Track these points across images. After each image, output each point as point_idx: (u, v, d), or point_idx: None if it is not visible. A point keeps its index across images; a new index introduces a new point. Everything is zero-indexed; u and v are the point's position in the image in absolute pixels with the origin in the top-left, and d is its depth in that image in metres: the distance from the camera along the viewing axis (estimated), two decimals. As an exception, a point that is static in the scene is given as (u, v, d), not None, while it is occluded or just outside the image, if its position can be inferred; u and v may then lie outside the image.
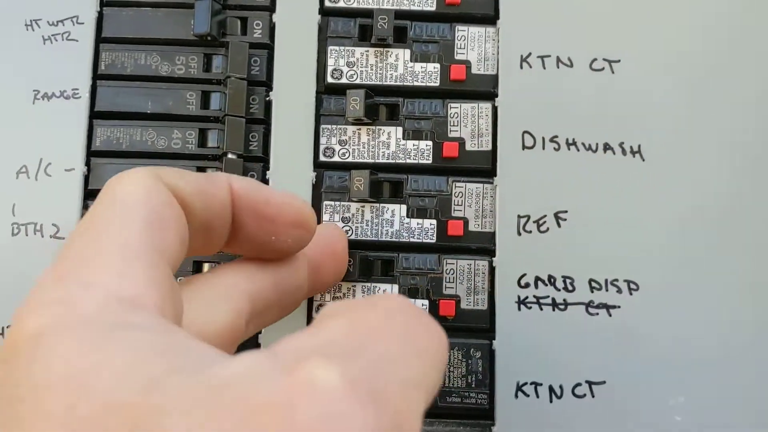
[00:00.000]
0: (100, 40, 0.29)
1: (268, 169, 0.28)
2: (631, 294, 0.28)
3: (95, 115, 0.29)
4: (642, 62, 0.29)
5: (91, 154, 0.29)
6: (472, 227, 0.29)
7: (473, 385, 0.28)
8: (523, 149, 0.28)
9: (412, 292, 0.28)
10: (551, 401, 0.27)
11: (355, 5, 0.29)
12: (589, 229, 0.28)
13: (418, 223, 0.28)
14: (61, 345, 0.14)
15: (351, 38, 0.29)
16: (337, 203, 0.28)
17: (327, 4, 0.29)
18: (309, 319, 0.28)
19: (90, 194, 0.29)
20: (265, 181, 0.28)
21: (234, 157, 0.28)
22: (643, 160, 0.28)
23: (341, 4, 0.29)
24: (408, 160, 0.29)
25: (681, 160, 0.28)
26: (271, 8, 0.29)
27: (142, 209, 0.17)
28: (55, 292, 0.15)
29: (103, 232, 0.17)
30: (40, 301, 0.15)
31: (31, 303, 0.15)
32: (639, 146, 0.28)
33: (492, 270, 0.28)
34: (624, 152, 0.28)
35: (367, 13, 0.29)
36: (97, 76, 0.29)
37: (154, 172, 0.18)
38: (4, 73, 0.29)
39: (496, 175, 0.28)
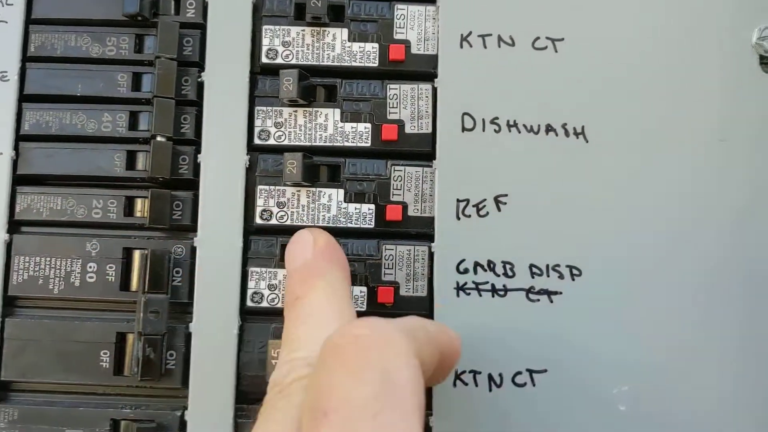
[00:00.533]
0: (29, 21, 0.28)
1: (200, 153, 0.27)
2: (573, 279, 0.27)
3: (24, 98, 0.28)
4: (586, 40, 0.28)
5: (19, 138, 0.28)
6: (411, 212, 0.28)
7: (411, 374, 0.27)
8: (463, 131, 0.27)
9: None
10: (490, 390, 0.26)
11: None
12: (530, 212, 0.27)
13: (356, 208, 0.28)
14: None
15: (287, 17, 0.28)
16: (272, 188, 0.28)
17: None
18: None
19: (19, 180, 0.28)
20: (197, 165, 0.27)
21: (163, 140, 0.27)
22: (587, 142, 0.27)
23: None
24: (346, 143, 0.28)
25: (625, 141, 0.27)
26: (205, -13, 0.28)
27: (417, 398, 0.18)
28: None
29: (391, 418, 0.17)
30: None
31: None
32: (582, 127, 0.27)
33: (431, 255, 0.27)
34: (567, 134, 0.27)
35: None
36: (26, 58, 0.28)
37: (414, 346, 0.19)
38: (-69, 55, 0.28)
39: (435, 158, 0.27)
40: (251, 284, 0.27)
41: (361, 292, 0.27)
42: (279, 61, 0.28)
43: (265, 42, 0.28)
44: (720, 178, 0.27)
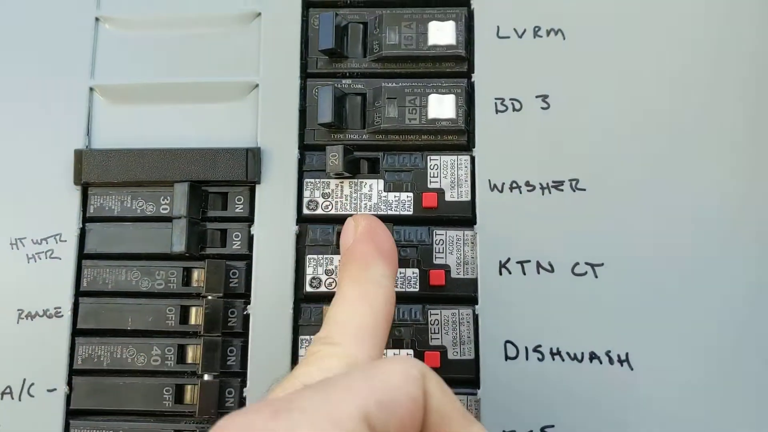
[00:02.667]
0: (82, 256, 0.30)
1: (246, 386, 0.28)
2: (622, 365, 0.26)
3: (77, 332, 0.29)
4: (627, 265, 0.28)
5: (72, 372, 0.29)
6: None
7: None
8: (506, 360, 0.27)
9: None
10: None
11: (332, 212, 0.29)
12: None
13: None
14: None
15: (329, 246, 0.29)
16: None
17: (305, 211, 0.29)
18: None
19: (72, 413, 0.28)
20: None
21: (210, 378, 0.27)
22: (632, 369, 0.27)
23: (318, 212, 0.29)
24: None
25: (671, 365, 0.27)
26: (250, 219, 0.29)
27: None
28: None
29: None
30: None
31: None
32: (627, 354, 0.27)
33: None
34: (611, 361, 0.27)
35: (344, 220, 0.29)
36: (79, 293, 0.29)
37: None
38: (-9, 293, 0.29)
39: (479, 387, 0.27)
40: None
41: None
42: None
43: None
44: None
